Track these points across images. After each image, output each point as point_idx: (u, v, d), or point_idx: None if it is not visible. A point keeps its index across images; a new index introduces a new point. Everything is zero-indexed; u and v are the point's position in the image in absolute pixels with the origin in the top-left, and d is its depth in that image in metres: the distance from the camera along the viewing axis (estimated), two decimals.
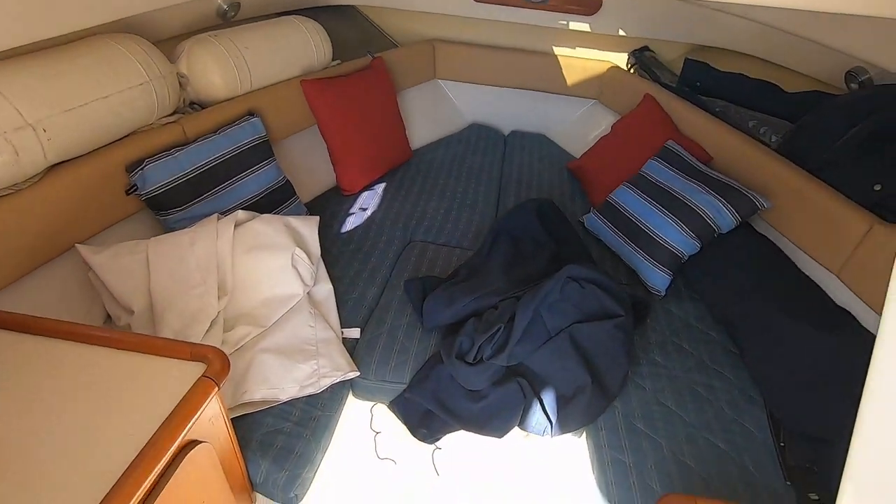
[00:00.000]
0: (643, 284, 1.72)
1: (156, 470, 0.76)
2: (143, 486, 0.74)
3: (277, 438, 1.20)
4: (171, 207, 1.48)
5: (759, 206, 1.62)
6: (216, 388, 0.89)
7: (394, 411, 1.41)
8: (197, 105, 1.73)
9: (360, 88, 2.12)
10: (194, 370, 0.90)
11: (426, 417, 1.35)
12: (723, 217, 1.65)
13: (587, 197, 2.23)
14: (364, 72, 2.18)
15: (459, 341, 1.33)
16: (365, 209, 2.04)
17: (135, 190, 1.42)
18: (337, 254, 1.77)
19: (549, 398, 1.30)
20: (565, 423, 1.29)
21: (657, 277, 1.70)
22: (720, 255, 1.67)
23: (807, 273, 1.55)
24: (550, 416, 1.30)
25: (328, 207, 2.01)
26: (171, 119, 1.58)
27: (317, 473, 1.25)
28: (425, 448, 1.75)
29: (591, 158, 2.32)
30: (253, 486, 1.17)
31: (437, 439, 1.36)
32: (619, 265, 1.83)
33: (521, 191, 2.27)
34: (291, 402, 1.28)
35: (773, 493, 1.16)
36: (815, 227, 1.54)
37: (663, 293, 1.70)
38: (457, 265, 1.74)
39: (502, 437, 1.32)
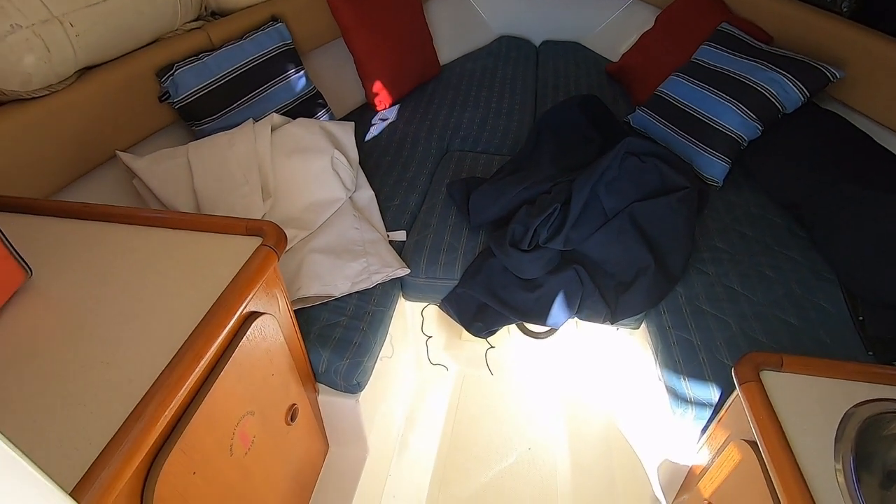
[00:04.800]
0: (698, 176, 1.62)
1: (223, 332, 0.75)
2: (213, 349, 0.73)
3: (335, 331, 1.19)
4: (204, 116, 1.44)
5: (830, 77, 1.48)
6: (276, 257, 0.86)
7: (445, 310, 1.38)
8: (218, 14, 1.65)
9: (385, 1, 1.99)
10: (252, 243, 0.87)
11: (480, 311, 1.32)
12: (788, 93, 1.51)
13: (630, 99, 2.10)
14: None
15: (512, 229, 1.28)
16: (397, 123, 1.97)
17: (167, 97, 1.38)
18: (373, 166, 1.72)
19: (608, 284, 1.25)
20: (625, 307, 1.24)
21: (714, 167, 1.59)
22: (784, 137, 1.55)
23: (884, 145, 1.43)
24: (610, 302, 1.25)
25: (360, 123, 1.95)
26: (196, 25, 1.51)
27: (374, 367, 1.25)
28: (478, 353, 1.75)
29: (634, 56, 2.17)
30: (315, 377, 1.17)
31: (493, 332, 1.34)
32: None
33: (559, 97, 2.15)
34: (344, 299, 1.27)
35: (848, 355, 1.10)
36: (894, 94, 1.40)
37: (721, 183, 1.60)
38: (499, 167, 1.67)
39: (560, 326, 1.29)
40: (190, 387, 0.68)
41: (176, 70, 1.37)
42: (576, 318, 1.28)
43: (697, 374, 1.11)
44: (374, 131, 1.90)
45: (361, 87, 2.03)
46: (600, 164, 1.26)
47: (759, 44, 1.68)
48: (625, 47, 2.28)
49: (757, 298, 1.25)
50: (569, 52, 2.52)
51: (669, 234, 1.24)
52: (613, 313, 1.24)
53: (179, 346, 0.70)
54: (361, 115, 2.01)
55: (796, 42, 1.67)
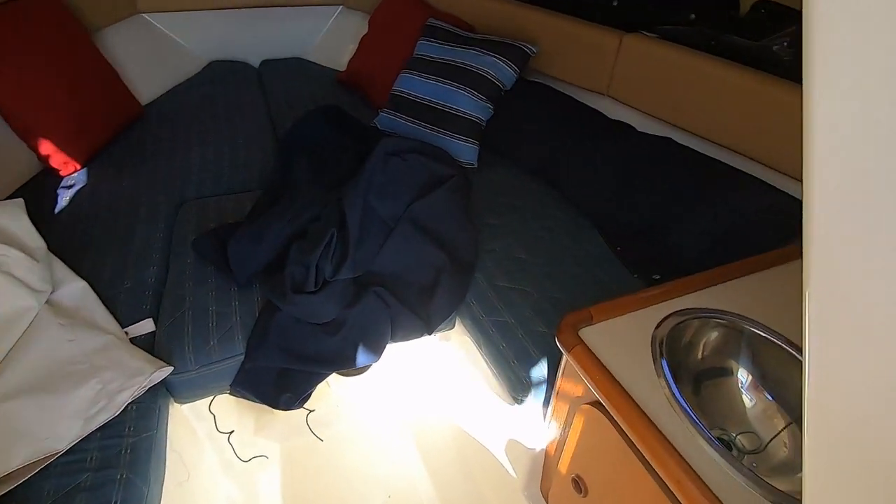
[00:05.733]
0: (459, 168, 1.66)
1: None
2: None
3: (76, 499, 0.81)
4: None
5: (529, 52, 1.66)
6: None
7: (240, 394, 1.10)
8: None
9: (28, 31, 1.50)
10: None
11: (283, 378, 1.08)
12: (503, 72, 1.65)
13: (371, 103, 2.05)
14: (17, 3, 1.55)
15: (290, 272, 1.07)
16: (98, 183, 1.52)
17: None
18: (77, 247, 1.27)
19: (412, 295, 1.15)
20: (437, 313, 1.16)
21: (465, 151, 1.65)
22: (512, 112, 1.70)
23: (583, 101, 1.67)
24: (421, 313, 1.16)
25: (41, 197, 1.44)
26: None
27: None
28: (297, 422, 1.48)
29: (360, 61, 2.13)
30: None
31: (307, 397, 1.11)
32: None
33: (298, 115, 1.97)
34: (80, 446, 0.88)
35: (627, 287, 1.24)
36: (578, 59, 1.65)
37: (475, 164, 1.67)
38: (253, 205, 1.41)
39: (379, 359, 1.14)
40: None
41: None
42: (392, 343, 1.15)
43: (523, 353, 1.10)
44: (61, 203, 1.42)
45: (28, 150, 1.51)
46: (364, 172, 1.15)
47: (467, 33, 1.80)
48: (349, 54, 2.24)
49: (542, 260, 1.32)
50: (293, 69, 2.36)
51: (453, 224, 1.20)
52: (428, 323, 1.15)
53: None
54: (39, 187, 1.49)
55: (494, 28, 1.85)
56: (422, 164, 1.21)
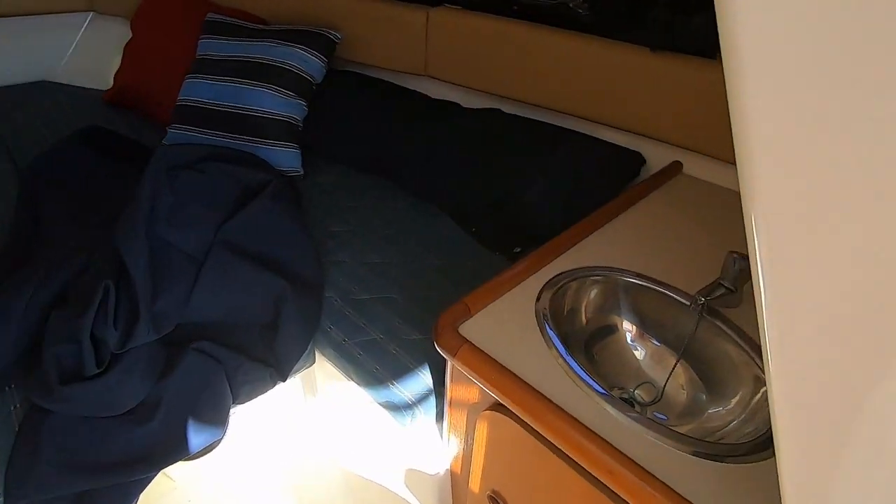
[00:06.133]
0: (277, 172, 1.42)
1: None
2: None
3: None
4: None
5: (333, 38, 1.49)
6: None
7: None
8: None
9: None
10: None
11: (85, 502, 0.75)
12: (309, 63, 1.46)
13: (153, 120, 1.68)
14: None
15: (52, 356, 0.74)
16: None
17: None
18: None
19: (252, 339, 0.91)
20: (288, 352, 0.93)
21: (285, 156, 1.42)
22: (328, 107, 1.51)
23: (400, 84, 1.57)
24: (266, 358, 0.92)
25: None
26: None
27: None
28: None
29: (130, 75, 1.74)
30: None
31: None
32: None
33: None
34: None
35: (496, 265, 1.16)
36: (389, 41, 1.54)
37: (301, 170, 1.45)
38: None
39: (224, 432, 0.88)
40: None
41: None
42: (236, 407, 0.89)
43: (400, 369, 0.94)
44: None
45: None
46: (140, 197, 0.86)
47: (258, 25, 1.57)
48: (113, 68, 1.82)
49: (399, 260, 1.17)
50: (37, 96, 1.84)
51: (285, 240, 0.98)
52: (279, 368, 0.92)
53: None
54: None
55: (288, 18, 1.64)
56: (225, 172, 0.96)
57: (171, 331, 0.85)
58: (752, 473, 0.59)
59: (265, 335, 0.92)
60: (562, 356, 0.72)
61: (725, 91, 0.32)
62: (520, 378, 0.67)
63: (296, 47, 1.44)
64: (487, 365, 0.68)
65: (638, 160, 1.22)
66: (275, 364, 0.91)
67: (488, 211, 1.30)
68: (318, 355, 1.06)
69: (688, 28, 1.09)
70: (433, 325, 0.77)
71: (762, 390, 0.70)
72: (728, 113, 0.32)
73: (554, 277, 0.83)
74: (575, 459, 0.63)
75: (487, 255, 1.20)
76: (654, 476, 0.58)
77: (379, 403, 0.95)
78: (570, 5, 1.24)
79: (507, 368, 0.68)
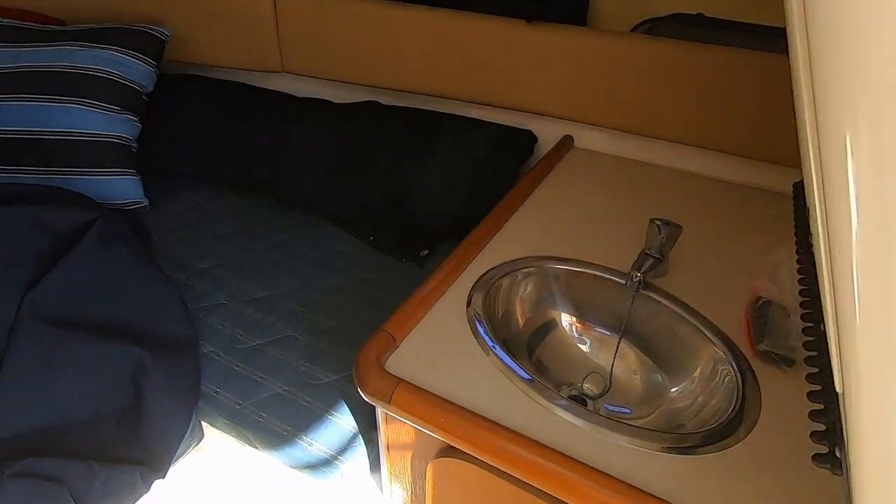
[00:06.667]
0: (116, 208, 1.13)
1: None
2: None
3: None
4: None
5: (160, 36, 1.22)
6: None
7: None
8: None
9: None
10: None
11: None
12: (132, 68, 1.18)
13: None
14: None
15: None
16: None
17: None
18: None
19: (103, 437, 0.67)
20: (163, 442, 0.71)
21: (120, 186, 1.14)
22: (169, 120, 1.25)
23: (259, 86, 1.35)
24: (132, 454, 0.69)
25: None
26: None
27: None
28: None
29: None
30: None
31: None
32: None
33: None
34: None
35: (407, 274, 1.03)
36: (233, 34, 1.31)
37: (145, 201, 1.18)
38: None
39: None
40: None
41: None
42: None
43: (316, 422, 0.77)
44: None
45: None
46: None
47: (53, 27, 1.24)
48: None
49: (291, 288, 0.98)
50: None
51: (127, 293, 0.74)
52: (153, 464, 0.69)
53: None
54: None
55: (93, 16, 1.32)
56: (23, 218, 0.70)
57: None
58: (726, 461, 0.54)
59: (126, 424, 0.69)
60: (507, 366, 0.62)
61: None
62: (472, 412, 0.55)
63: (108, 49, 1.16)
64: (431, 405, 0.55)
65: (530, 138, 1.16)
66: (146, 460, 0.68)
67: (383, 214, 1.16)
68: (205, 428, 0.84)
69: None
70: (352, 361, 0.62)
71: (716, 357, 0.66)
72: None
73: (481, 277, 0.73)
74: (544, 491, 0.53)
75: (393, 264, 1.07)
76: (624, 483, 0.50)
77: (298, 468, 0.77)
78: None
79: (453, 403, 0.56)
